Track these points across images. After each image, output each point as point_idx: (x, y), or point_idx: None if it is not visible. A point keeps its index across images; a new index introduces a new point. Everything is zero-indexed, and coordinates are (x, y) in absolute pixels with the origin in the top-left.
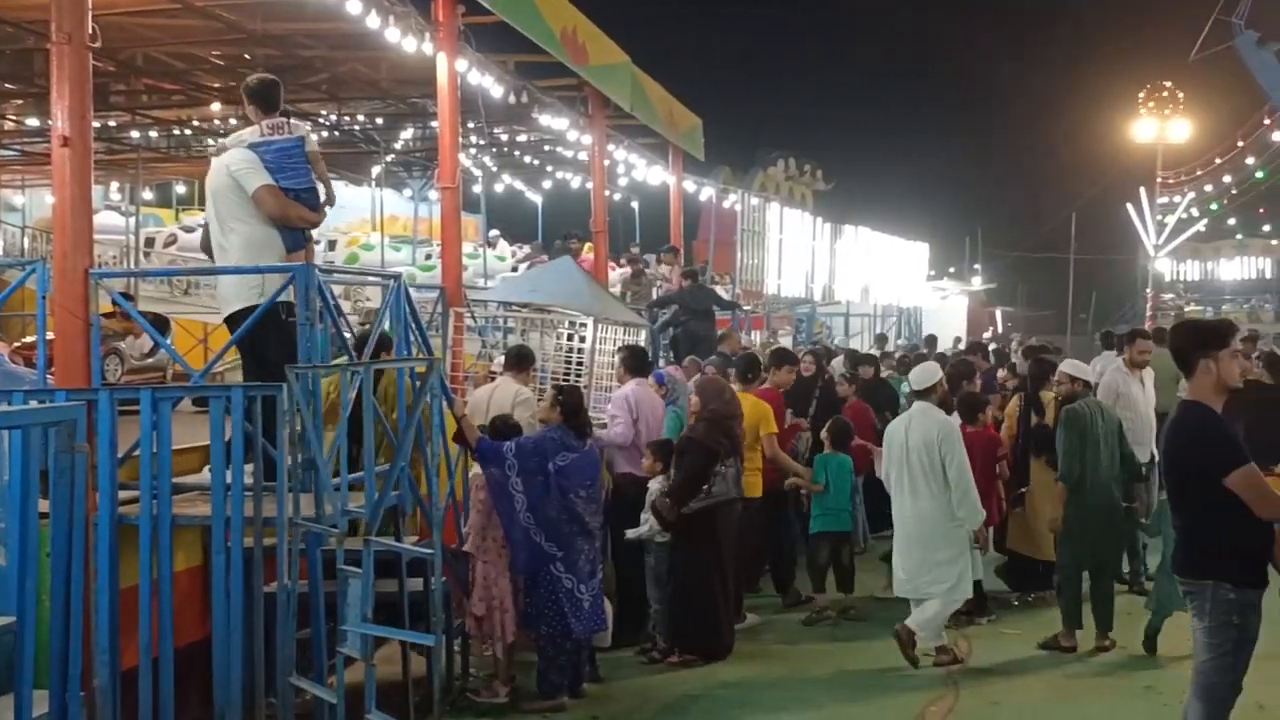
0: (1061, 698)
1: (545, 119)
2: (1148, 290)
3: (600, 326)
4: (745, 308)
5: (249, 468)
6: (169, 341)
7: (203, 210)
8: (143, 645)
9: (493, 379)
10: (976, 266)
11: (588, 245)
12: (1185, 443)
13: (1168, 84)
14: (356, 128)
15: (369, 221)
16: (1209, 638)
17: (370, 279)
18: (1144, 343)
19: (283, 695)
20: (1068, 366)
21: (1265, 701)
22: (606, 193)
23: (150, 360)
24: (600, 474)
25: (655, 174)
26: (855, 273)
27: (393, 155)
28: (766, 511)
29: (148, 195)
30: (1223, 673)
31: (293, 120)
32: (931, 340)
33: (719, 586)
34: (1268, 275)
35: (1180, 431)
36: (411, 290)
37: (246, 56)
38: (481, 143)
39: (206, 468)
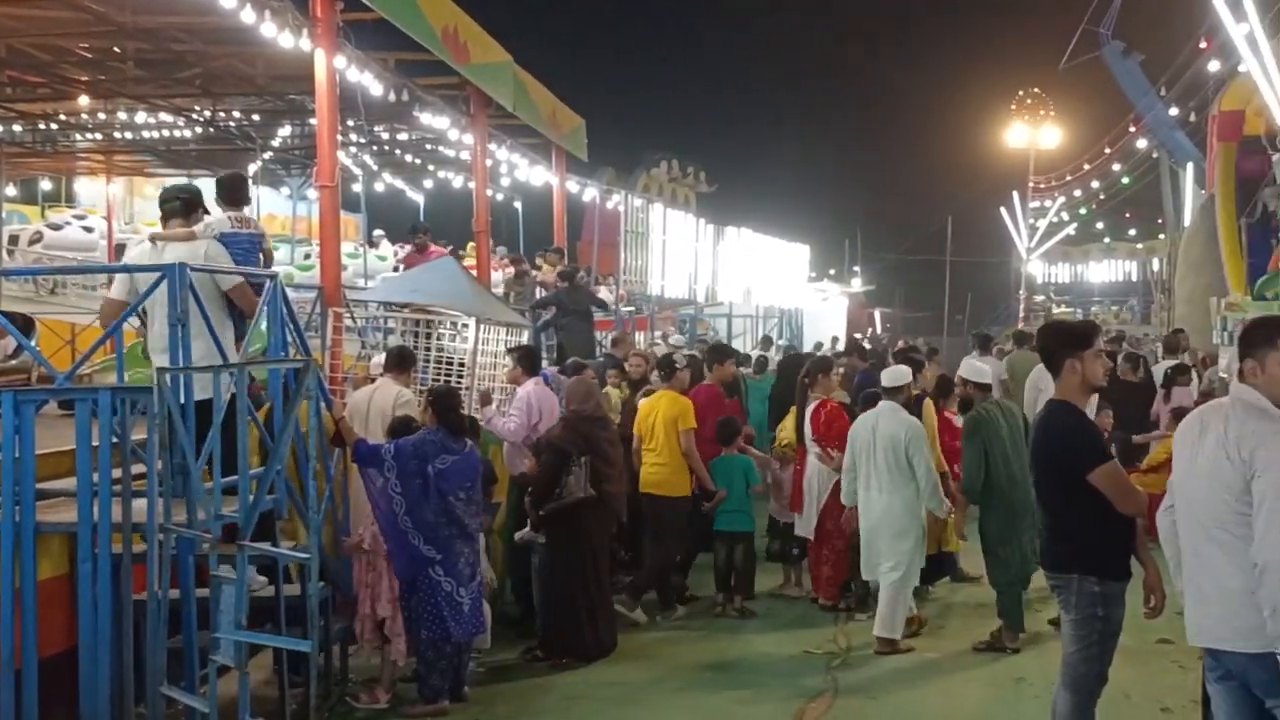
0: (937, 692)
1: (426, 118)
2: (1021, 292)
3: (482, 327)
4: (628, 308)
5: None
6: (33, 343)
7: (69, 206)
8: (4, 657)
9: (373, 381)
10: (856, 268)
11: (470, 245)
12: (1052, 440)
13: (1039, 92)
14: (232, 124)
15: None
16: (1075, 630)
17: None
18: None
19: (153, 705)
20: (966, 370)
21: (1131, 690)
22: (489, 192)
23: (13, 362)
24: (479, 477)
25: (538, 174)
26: (737, 274)
27: (270, 153)
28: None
29: (11, 191)
30: (1089, 663)
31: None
32: (853, 344)
33: (578, 587)
34: (1133, 278)
35: (1047, 429)
36: (289, 290)
37: (116, 50)
38: (361, 141)
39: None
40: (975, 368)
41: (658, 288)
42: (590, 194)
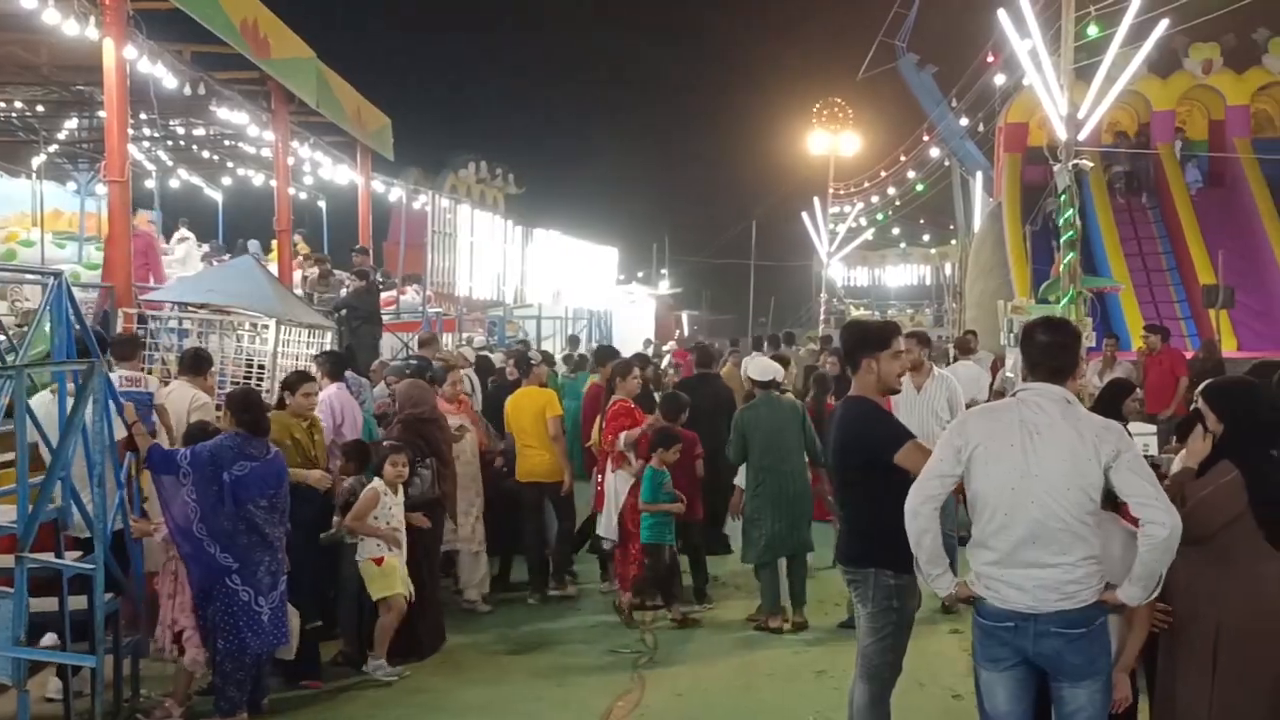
0: (741, 686)
1: (224, 113)
2: (822, 295)
3: (283, 329)
4: (439, 310)
5: None
6: None
7: None
8: None
9: (167, 384)
10: (664, 271)
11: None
12: (851, 433)
13: (839, 101)
14: (14, 115)
15: (29, 216)
16: (872, 622)
17: (28, 277)
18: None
19: None
20: (752, 368)
21: (924, 679)
22: (292, 191)
23: None
24: (283, 483)
25: (343, 173)
26: (546, 276)
27: (55, 146)
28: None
29: None
30: (885, 654)
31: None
32: (708, 350)
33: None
34: (927, 282)
35: (845, 424)
36: (76, 290)
37: None
38: (155, 135)
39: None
40: (761, 365)
41: (465, 289)
42: (396, 194)
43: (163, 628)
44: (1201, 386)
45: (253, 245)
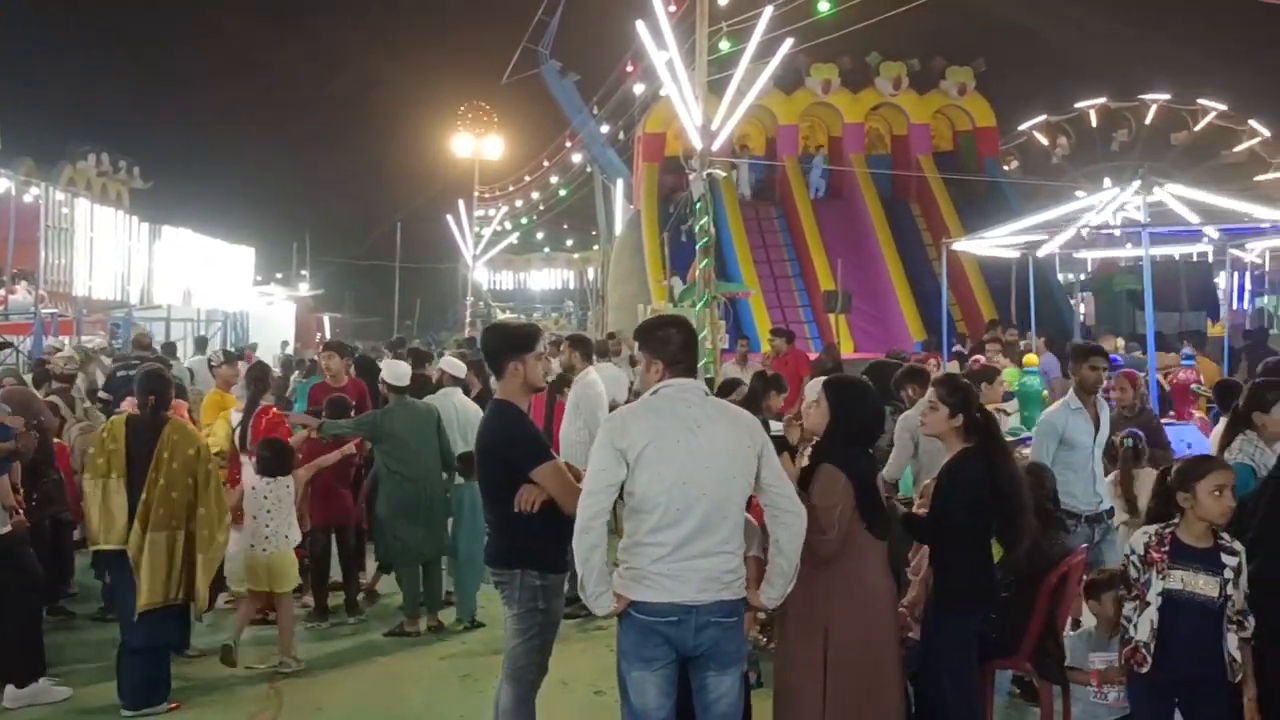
0: (383, 693)
1: None
2: (468, 298)
3: None
4: (54, 310)
5: None
6: None
7: None
8: None
9: None
10: (304, 272)
11: None
12: (497, 439)
13: (484, 104)
14: None
15: None
16: (518, 623)
17: None
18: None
19: None
20: (386, 372)
21: (567, 677)
22: None
23: None
24: None
25: None
26: (176, 275)
27: None
28: None
29: None
30: (531, 654)
31: None
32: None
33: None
34: (571, 285)
35: (492, 428)
36: None
37: None
38: None
39: None
40: (396, 371)
41: (84, 288)
42: (4, 185)
43: None
44: (824, 380)
45: None
